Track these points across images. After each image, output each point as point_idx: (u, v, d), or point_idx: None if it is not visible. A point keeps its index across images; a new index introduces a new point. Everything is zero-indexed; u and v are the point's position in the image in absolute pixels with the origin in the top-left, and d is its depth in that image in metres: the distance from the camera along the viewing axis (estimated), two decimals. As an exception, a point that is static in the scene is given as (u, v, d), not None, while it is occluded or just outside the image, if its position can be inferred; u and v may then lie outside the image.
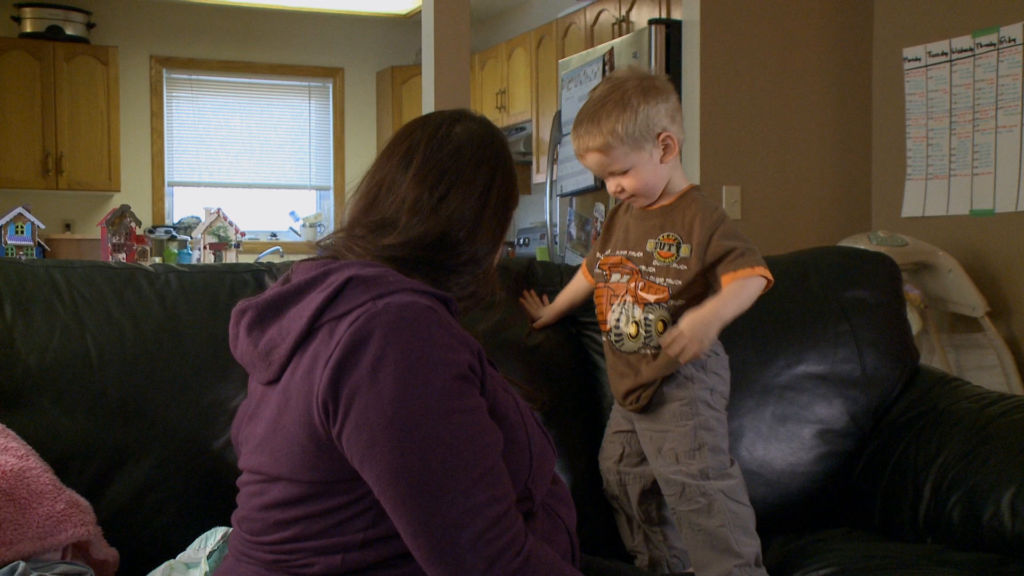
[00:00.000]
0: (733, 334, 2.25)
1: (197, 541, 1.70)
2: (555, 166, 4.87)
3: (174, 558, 1.68)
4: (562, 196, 4.83)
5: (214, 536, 1.68)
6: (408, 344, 1.27)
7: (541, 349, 2.15)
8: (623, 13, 5.74)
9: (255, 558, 1.39)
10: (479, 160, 1.46)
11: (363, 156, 8.56)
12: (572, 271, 2.26)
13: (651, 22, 4.24)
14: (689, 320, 1.83)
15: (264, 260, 2.92)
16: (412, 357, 1.26)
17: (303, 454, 1.32)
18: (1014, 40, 3.42)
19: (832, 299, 2.34)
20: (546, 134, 5.83)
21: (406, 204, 1.43)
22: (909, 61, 3.85)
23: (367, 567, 1.32)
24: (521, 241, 7.13)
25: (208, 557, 1.60)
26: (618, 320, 1.98)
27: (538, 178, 6.65)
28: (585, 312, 2.20)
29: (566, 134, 4.73)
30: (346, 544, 1.32)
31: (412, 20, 8.03)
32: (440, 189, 1.43)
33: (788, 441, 2.22)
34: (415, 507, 1.24)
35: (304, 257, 1.49)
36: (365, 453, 1.26)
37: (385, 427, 1.24)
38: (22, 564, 1.43)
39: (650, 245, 1.96)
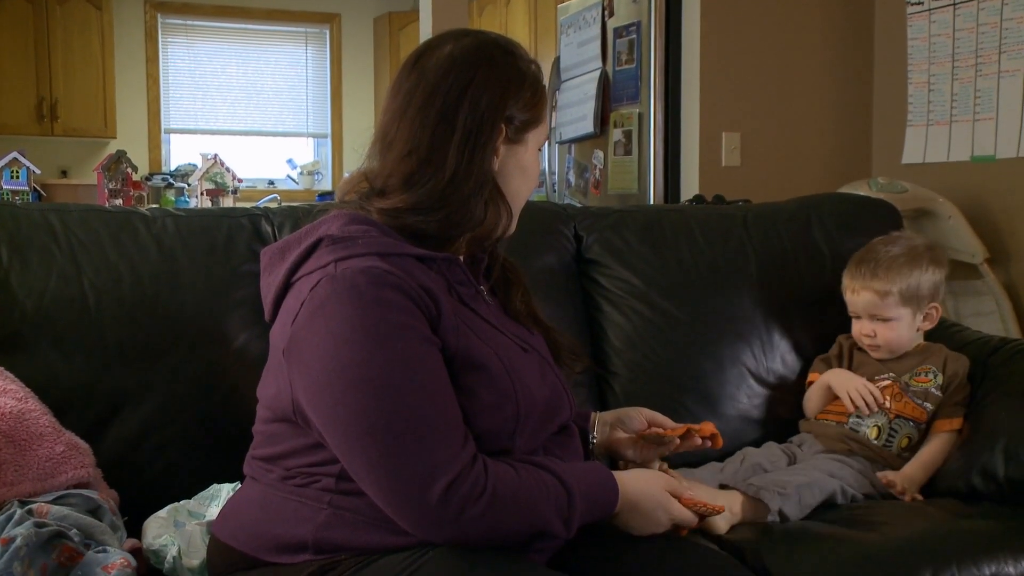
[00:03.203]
0: (735, 285, 2.25)
1: (201, 495, 1.72)
2: (554, 113, 4.83)
3: (178, 502, 1.69)
4: (561, 143, 4.80)
5: (221, 492, 1.70)
6: (359, 309, 1.29)
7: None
8: (623, -43, 5.66)
9: (262, 480, 1.44)
10: (434, 88, 1.41)
11: (361, 103, 8.50)
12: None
13: (651, -35, 4.19)
14: (905, 480, 1.96)
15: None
16: (366, 321, 1.28)
17: (283, 398, 1.39)
18: (1019, -17, 3.38)
19: (835, 250, 2.34)
20: (545, 81, 5.80)
21: (386, 152, 1.44)
22: (912, 5, 3.80)
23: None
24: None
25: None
26: (860, 419, 2.06)
27: (536, 125, 6.60)
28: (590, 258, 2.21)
29: (565, 80, 4.69)
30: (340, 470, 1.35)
31: (409, -35, 7.94)
32: (392, 132, 1.43)
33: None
34: (379, 467, 1.27)
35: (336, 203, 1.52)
36: (327, 419, 1.30)
37: (344, 389, 1.27)
38: (18, 511, 1.44)
39: (905, 375, 2.09)
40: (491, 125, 1.42)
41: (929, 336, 2.18)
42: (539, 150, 1.53)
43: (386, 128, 1.44)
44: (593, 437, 1.71)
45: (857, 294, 2.12)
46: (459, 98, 1.40)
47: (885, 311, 2.08)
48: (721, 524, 1.76)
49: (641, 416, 1.71)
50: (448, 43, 1.45)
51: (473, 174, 1.41)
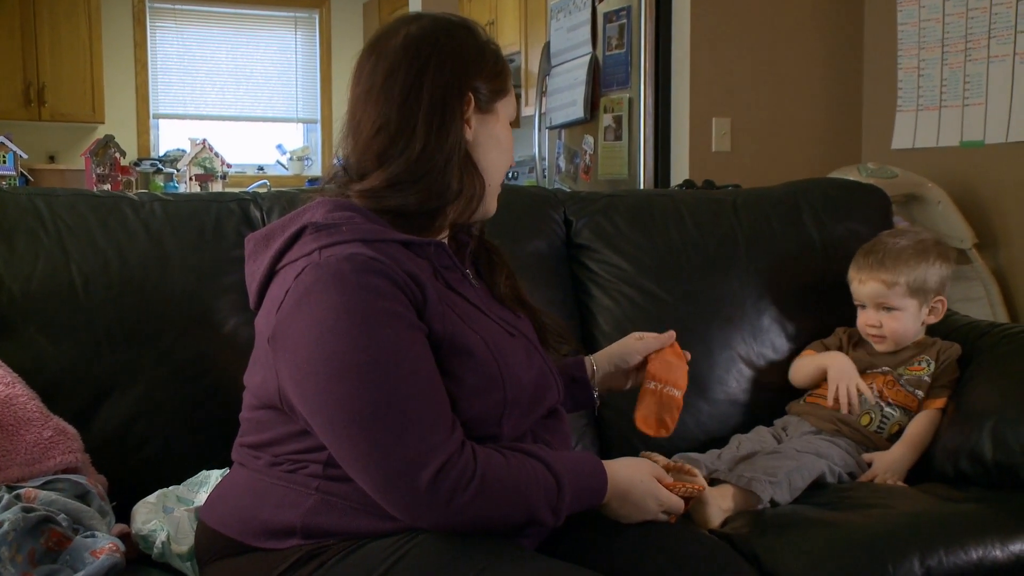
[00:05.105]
0: (724, 269, 2.25)
1: (191, 480, 1.71)
2: (544, 98, 4.82)
3: (167, 487, 1.69)
4: (551, 129, 4.79)
5: (211, 478, 1.70)
6: (344, 296, 1.28)
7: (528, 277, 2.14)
8: (613, -59, 5.64)
9: (250, 466, 1.44)
10: (395, 66, 1.41)
11: (350, 88, 8.46)
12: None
13: (641, -50, 4.17)
14: (884, 467, 1.98)
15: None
16: (352, 309, 1.27)
17: (269, 386, 1.38)
18: (1009, -32, 3.38)
19: (824, 235, 2.34)
20: (535, 66, 5.77)
21: (357, 135, 1.44)
22: (902, -10, 3.80)
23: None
24: (510, 175, 7.10)
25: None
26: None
27: (526, 111, 6.58)
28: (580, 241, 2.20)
29: (555, 66, 4.68)
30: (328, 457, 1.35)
31: (399, -51, 7.90)
32: (359, 114, 1.44)
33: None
34: (367, 455, 1.27)
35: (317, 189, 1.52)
36: (314, 407, 1.29)
37: (330, 377, 1.27)
38: (6, 496, 1.44)
39: (900, 367, 2.11)
40: (457, 94, 1.43)
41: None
42: (509, 122, 1.52)
43: (353, 112, 1.45)
44: (595, 388, 1.74)
45: (864, 284, 2.13)
46: (422, 71, 1.40)
47: (891, 300, 2.09)
48: (713, 518, 1.76)
49: (636, 350, 1.73)
50: (403, 27, 1.45)
51: (444, 144, 1.41)
